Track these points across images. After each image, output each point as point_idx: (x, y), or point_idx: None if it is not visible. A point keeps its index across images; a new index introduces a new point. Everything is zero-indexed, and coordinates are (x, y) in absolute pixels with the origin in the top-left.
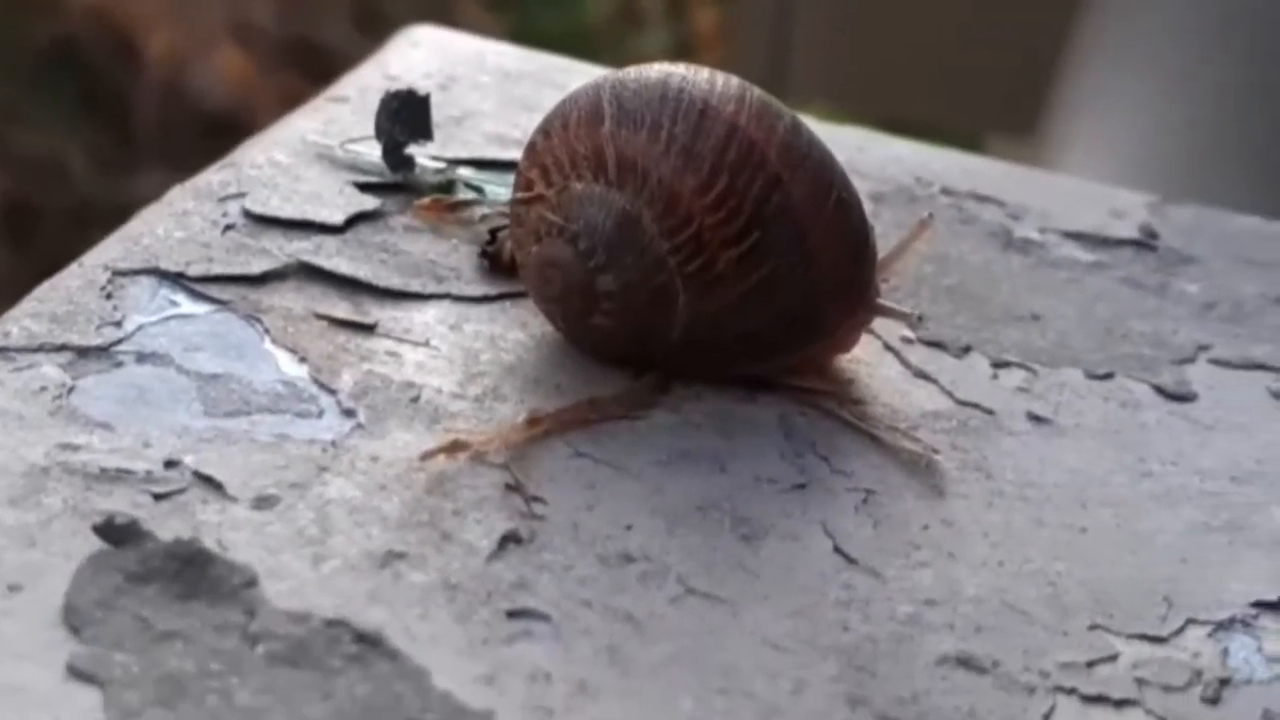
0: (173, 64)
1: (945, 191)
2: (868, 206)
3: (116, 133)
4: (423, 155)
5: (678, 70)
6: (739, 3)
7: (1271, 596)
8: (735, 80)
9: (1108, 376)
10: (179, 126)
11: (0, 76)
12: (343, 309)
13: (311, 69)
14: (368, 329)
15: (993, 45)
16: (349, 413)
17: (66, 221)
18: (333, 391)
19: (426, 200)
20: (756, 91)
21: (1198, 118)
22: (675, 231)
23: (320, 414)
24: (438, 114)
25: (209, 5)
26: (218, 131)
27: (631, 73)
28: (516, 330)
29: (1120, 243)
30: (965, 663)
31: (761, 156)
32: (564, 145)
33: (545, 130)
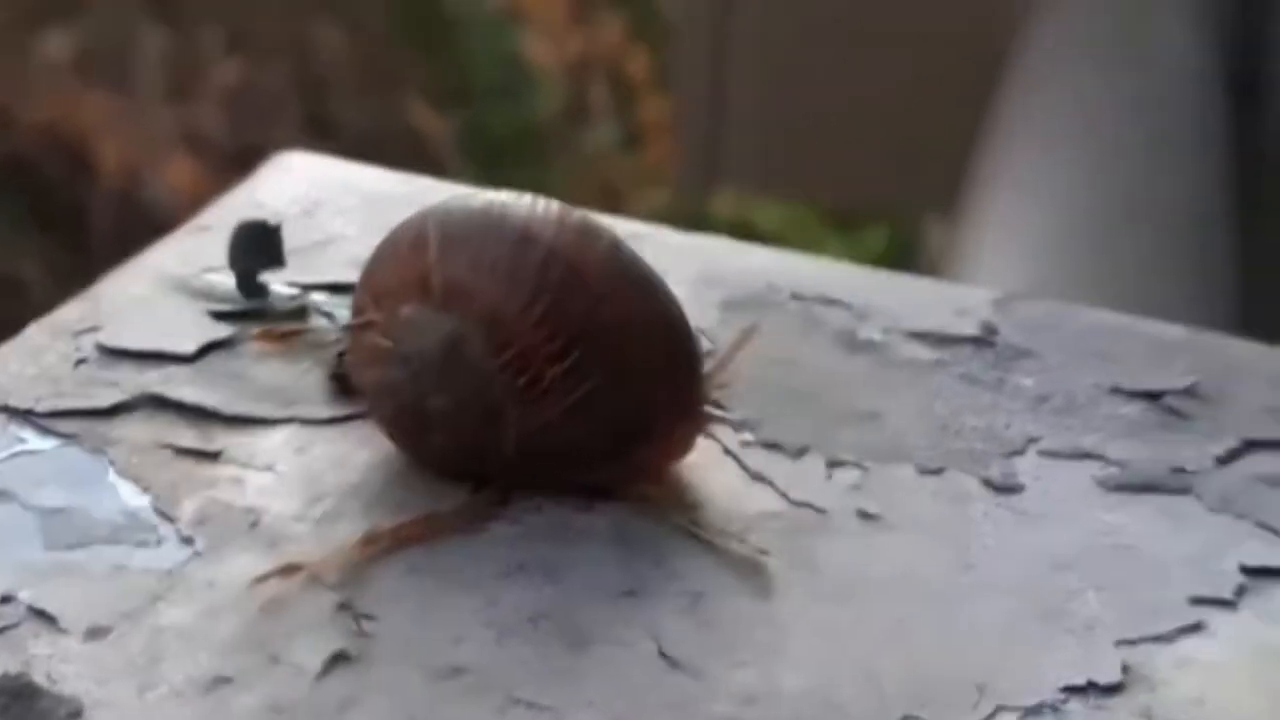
0: (126, 174)
1: (795, 296)
2: (719, 314)
3: (72, 245)
4: (277, 282)
5: (499, 197)
6: (675, 95)
7: (1080, 681)
8: (555, 204)
9: (938, 471)
10: (135, 236)
11: None
12: (189, 437)
13: None
14: (212, 456)
15: (920, 128)
16: (187, 540)
17: None
18: (173, 520)
19: (264, 330)
20: (577, 214)
21: (1102, 205)
22: (501, 350)
23: (159, 543)
24: (300, 239)
25: (159, 115)
26: None
27: (456, 200)
28: (361, 450)
29: (960, 340)
30: None
31: (580, 277)
32: (394, 272)
33: (375, 258)
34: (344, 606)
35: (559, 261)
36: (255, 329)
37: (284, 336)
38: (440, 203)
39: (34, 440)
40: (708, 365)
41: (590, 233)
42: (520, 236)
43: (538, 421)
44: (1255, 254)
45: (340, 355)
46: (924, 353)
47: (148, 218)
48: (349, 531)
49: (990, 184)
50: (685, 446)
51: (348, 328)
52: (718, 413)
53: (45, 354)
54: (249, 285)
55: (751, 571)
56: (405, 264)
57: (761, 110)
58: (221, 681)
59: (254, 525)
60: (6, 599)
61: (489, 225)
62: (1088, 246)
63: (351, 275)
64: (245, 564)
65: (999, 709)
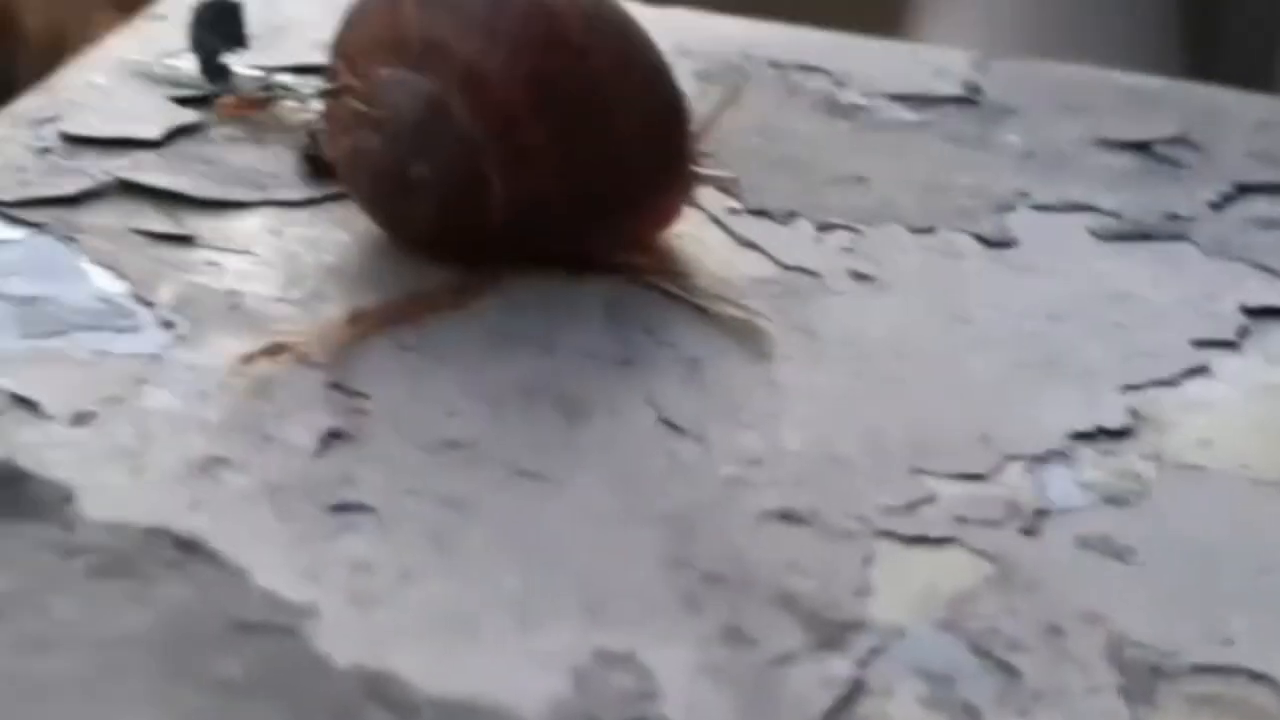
0: (51, 33)
1: (772, 64)
2: (695, 85)
3: None
4: (240, 65)
5: None
6: None
7: (1085, 426)
8: None
9: (929, 230)
10: None
11: None
12: (160, 223)
13: None
14: (186, 241)
15: None
16: (168, 324)
17: None
18: (151, 305)
19: (230, 99)
20: None
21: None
22: (484, 112)
23: (138, 328)
24: (260, 24)
25: None
26: None
27: None
28: (339, 231)
29: (943, 100)
30: (786, 516)
31: (563, 29)
32: (367, 32)
33: (348, 20)
34: (334, 385)
35: (541, 14)
36: (224, 103)
37: (252, 105)
38: None
39: (1, 230)
40: (693, 128)
41: None
42: None
43: (522, 188)
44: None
45: (312, 135)
46: (907, 114)
47: None
48: (332, 313)
49: None
50: (674, 213)
51: (321, 94)
52: (707, 174)
53: (6, 144)
54: (212, 68)
55: (748, 336)
56: (380, 24)
57: None
58: (216, 462)
59: (234, 308)
60: None
61: None
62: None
63: (315, 58)
64: (228, 346)
65: (1006, 459)
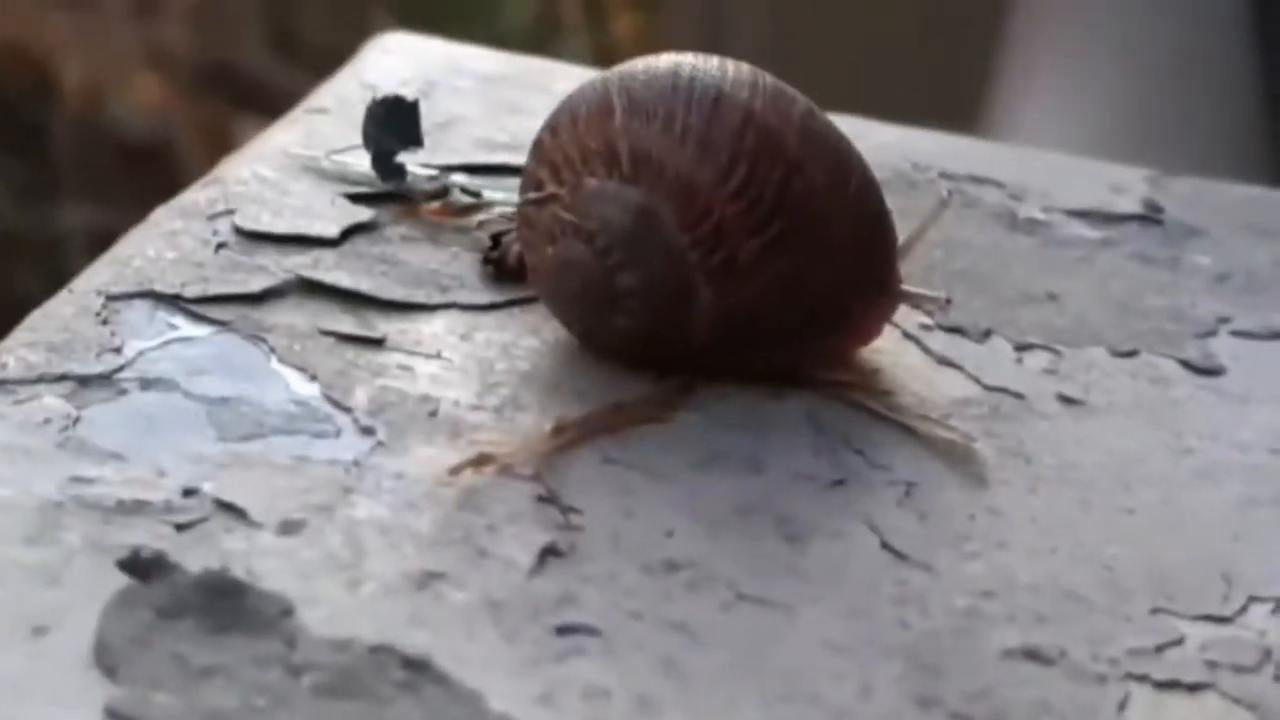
0: (89, 93)
1: (944, 175)
2: None
3: (35, 165)
4: (413, 163)
5: (687, 59)
6: (665, 10)
7: None
8: (746, 66)
9: (1132, 354)
10: (99, 156)
11: None
12: (348, 324)
13: (229, 93)
14: (376, 343)
15: (927, 40)
16: (367, 430)
17: None
18: (348, 409)
19: (435, 205)
20: (769, 77)
21: (1143, 87)
22: (695, 224)
23: (338, 433)
24: (422, 121)
25: (121, 32)
26: (138, 160)
27: (640, 64)
28: (529, 337)
29: (1125, 218)
30: (1032, 654)
31: (779, 142)
32: (574, 141)
33: (552, 128)
34: (545, 499)
35: (755, 127)
36: (404, 210)
37: (460, 212)
38: (622, 67)
39: (186, 327)
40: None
41: (786, 96)
42: (713, 101)
43: (731, 301)
44: None
45: (495, 237)
46: (1088, 232)
47: (110, 136)
48: (531, 421)
49: (1020, 91)
50: (877, 329)
51: (524, 202)
52: (916, 291)
53: (180, 237)
54: (386, 166)
55: (962, 459)
56: (588, 133)
57: (754, 28)
58: (433, 577)
59: (433, 414)
60: (190, 492)
61: (678, 90)
62: (1139, 134)
63: (481, 156)
64: (430, 455)
65: (1251, 600)
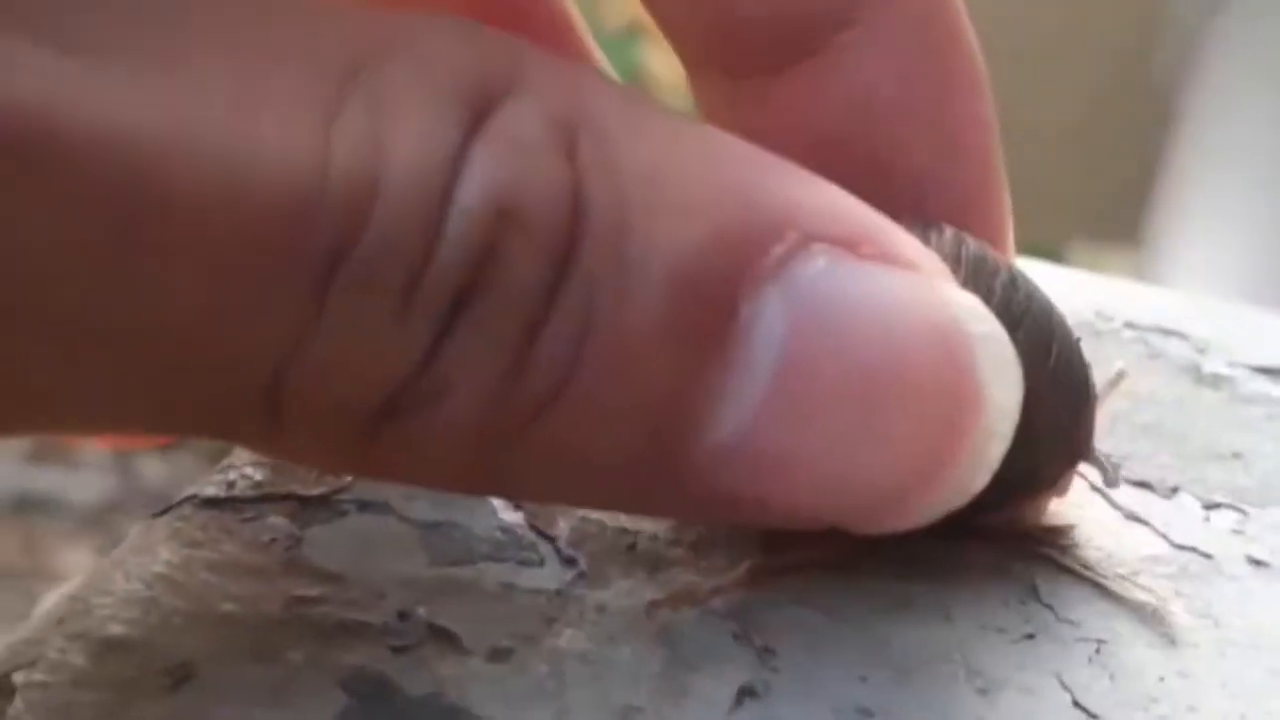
0: None
1: (1129, 325)
2: None
3: None
4: None
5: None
6: None
7: None
8: (949, 234)
9: None
10: None
11: None
12: None
13: None
14: None
15: (1077, 151)
16: (569, 560)
17: None
18: (551, 538)
19: None
20: (973, 245)
21: None
22: None
23: (541, 561)
24: None
25: None
26: None
27: None
28: None
29: None
30: None
31: (1005, 293)
32: None
33: None
34: (740, 637)
35: (979, 266)
36: None
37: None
38: None
39: None
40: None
41: (987, 268)
42: None
43: None
44: None
45: None
46: (1273, 389)
47: None
48: (725, 558)
49: (1180, 211)
50: (1066, 488)
51: None
52: (1102, 458)
53: None
54: None
55: (1153, 619)
56: None
57: None
58: (634, 711)
59: (631, 548)
60: (404, 615)
61: None
62: None
63: None
64: (630, 588)
65: None
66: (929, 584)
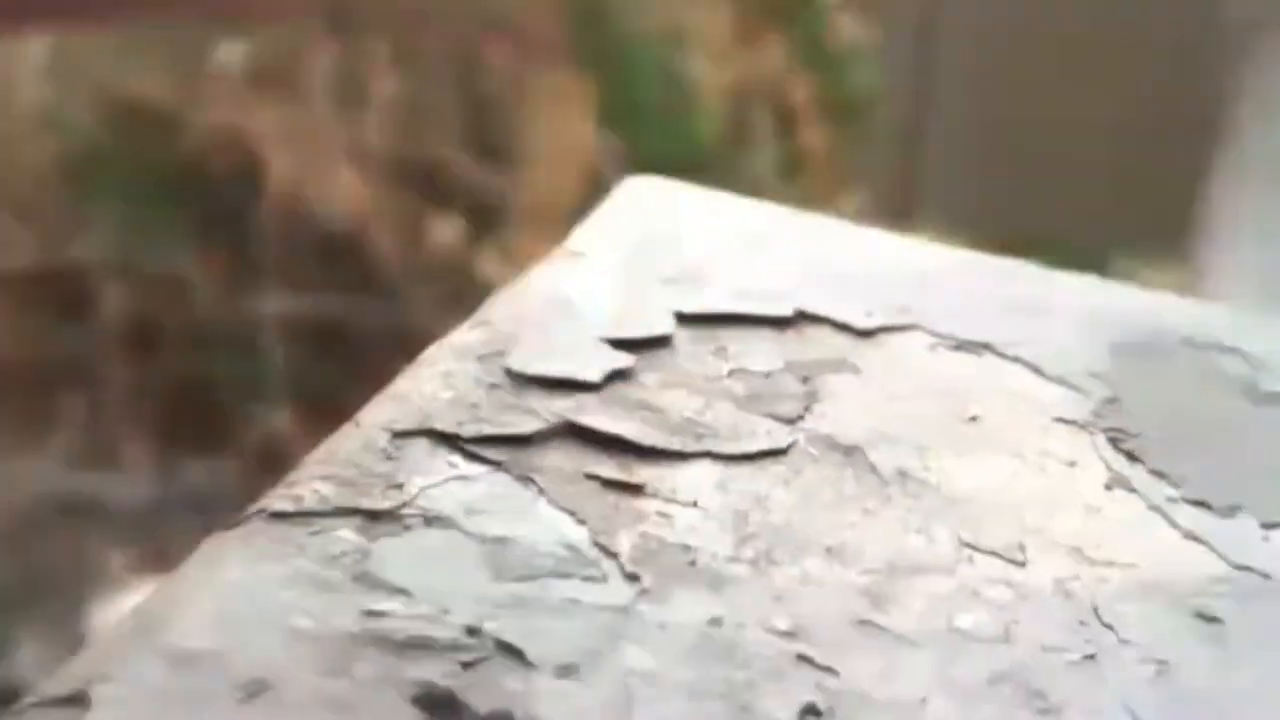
0: (293, 184)
1: (1186, 342)
2: (1110, 357)
3: (237, 253)
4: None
5: None
6: (863, 124)
7: None
8: None
9: None
10: (299, 247)
11: (125, 195)
12: (610, 468)
13: (425, 189)
14: (637, 489)
15: (1130, 167)
16: (632, 577)
17: (187, 339)
18: (614, 555)
19: None
20: None
21: None
22: None
23: (605, 578)
24: (674, 268)
25: (328, 126)
26: (336, 252)
27: None
28: (780, 488)
29: None
30: None
31: None
32: None
33: None
34: (804, 657)
35: None
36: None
37: None
38: None
39: (463, 466)
40: (1107, 415)
41: None
42: None
43: None
44: None
45: None
46: None
47: (313, 229)
48: (786, 575)
49: (1229, 226)
50: None
51: None
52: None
53: (455, 378)
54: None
55: (1211, 640)
56: None
57: (956, 145)
58: None
59: (692, 564)
60: (473, 631)
61: None
62: None
63: (732, 305)
64: (691, 605)
65: None
66: (987, 607)
